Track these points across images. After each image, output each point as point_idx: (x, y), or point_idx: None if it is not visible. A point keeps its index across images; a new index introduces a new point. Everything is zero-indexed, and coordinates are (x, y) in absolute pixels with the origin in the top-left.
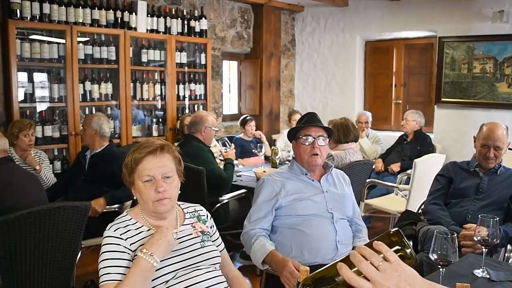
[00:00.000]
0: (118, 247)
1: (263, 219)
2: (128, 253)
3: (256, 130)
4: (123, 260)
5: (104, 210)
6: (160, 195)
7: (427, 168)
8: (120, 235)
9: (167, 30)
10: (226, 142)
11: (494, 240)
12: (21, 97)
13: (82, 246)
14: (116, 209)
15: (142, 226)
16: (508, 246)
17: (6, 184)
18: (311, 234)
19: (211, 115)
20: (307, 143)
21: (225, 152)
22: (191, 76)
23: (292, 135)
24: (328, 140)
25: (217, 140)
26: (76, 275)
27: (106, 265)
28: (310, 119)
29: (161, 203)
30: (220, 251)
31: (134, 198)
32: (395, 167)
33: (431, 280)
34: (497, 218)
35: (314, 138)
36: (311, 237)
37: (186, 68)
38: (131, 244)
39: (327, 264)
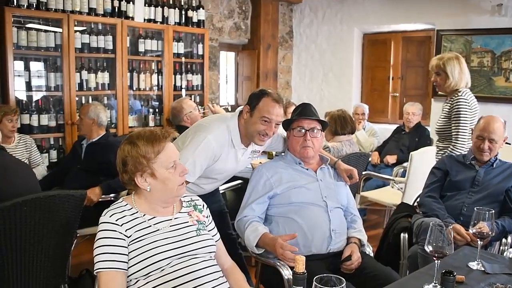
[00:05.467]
0: (114, 233)
1: (256, 206)
2: (124, 239)
3: None
4: (119, 247)
5: (100, 200)
6: (183, 178)
7: (423, 161)
8: (116, 220)
9: (165, 20)
10: (198, 108)
11: (490, 233)
12: (17, 85)
13: (78, 235)
14: (112, 198)
15: (138, 212)
16: (503, 240)
17: (1, 171)
18: (305, 223)
19: (185, 102)
20: (299, 135)
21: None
22: (188, 66)
23: (286, 126)
24: (321, 132)
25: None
26: (71, 264)
27: (101, 252)
28: (304, 111)
29: (184, 186)
30: (215, 241)
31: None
32: (391, 159)
33: (426, 272)
34: (493, 211)
35: (306, 130)
36: (305, 226)
37: (183, 58)
38: (126, 230)
39: (321, 254)
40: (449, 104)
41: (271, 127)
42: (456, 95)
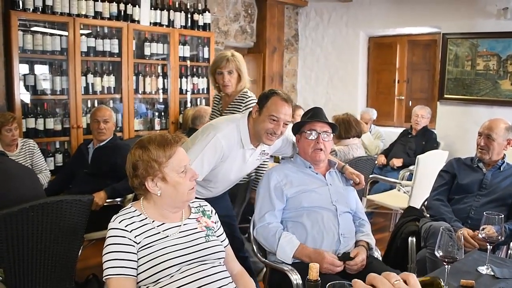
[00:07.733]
0: (123, 240)
1: (274, 211)
2: (133, 246)
3: None
4: (128, 253)
5: (105, 204)
6: (194, 183)
7: (429, 164)
8: (125, 226)
9: (171, 23)
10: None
11: (499, 238)
12: (22, 89)
13: (84, 239)
14: (119, 202)
15: (147, 218)
16: (511, 243)
17: (2, 176)
18: (314, 227)
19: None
20: (311, 138)
21: None
22: (194, 70)
23: (297, 129)
24: (332, 136)
25: None
26: (77, 268)
27: (110, 258)
28: (315, 114)
29: (194, 190)
30: (224, 247)
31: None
32: (397, 162)
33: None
34: (502, 215)
35: (319, 133)
36: (315, 231)
37: (188, 62)
38: (135, 236)
39: None
40: (235, 107)
41: (279, 126)
42: (246, 97)
